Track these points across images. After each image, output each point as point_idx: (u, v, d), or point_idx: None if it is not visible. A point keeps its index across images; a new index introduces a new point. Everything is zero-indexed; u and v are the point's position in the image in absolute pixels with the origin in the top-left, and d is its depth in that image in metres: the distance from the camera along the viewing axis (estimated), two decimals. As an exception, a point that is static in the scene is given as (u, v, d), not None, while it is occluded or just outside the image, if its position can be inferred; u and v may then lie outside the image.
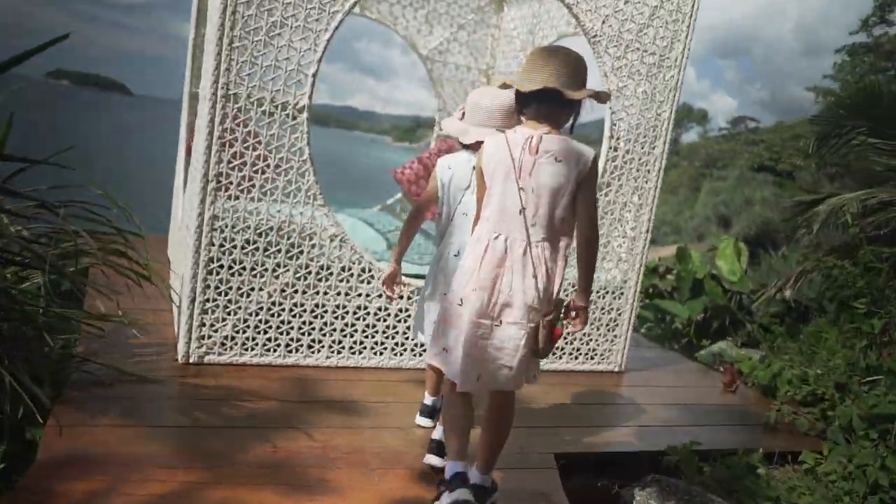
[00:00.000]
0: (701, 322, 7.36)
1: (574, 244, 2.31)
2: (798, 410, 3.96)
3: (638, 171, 4.09)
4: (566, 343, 4.17)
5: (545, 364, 4.14)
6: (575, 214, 2.28)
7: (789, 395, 4.15)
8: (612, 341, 4.27)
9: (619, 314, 4.25)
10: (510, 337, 2.23)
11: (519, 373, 2.27)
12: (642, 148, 4.07)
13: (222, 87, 3.15)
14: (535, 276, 2.21)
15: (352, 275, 3.57)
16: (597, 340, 4.24)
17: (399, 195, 6.16)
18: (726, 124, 44.40)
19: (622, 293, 4.22)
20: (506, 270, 2.23)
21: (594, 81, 3.70)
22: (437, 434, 2.70)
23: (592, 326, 4.19)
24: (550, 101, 2.23)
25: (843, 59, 22.39)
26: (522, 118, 2.34)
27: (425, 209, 2.93)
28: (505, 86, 2.33)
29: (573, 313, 2.36)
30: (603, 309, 4.19)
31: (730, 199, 27.98)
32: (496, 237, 2.26)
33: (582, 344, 4.21)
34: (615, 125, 3.98)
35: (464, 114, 2.82)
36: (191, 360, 3.34)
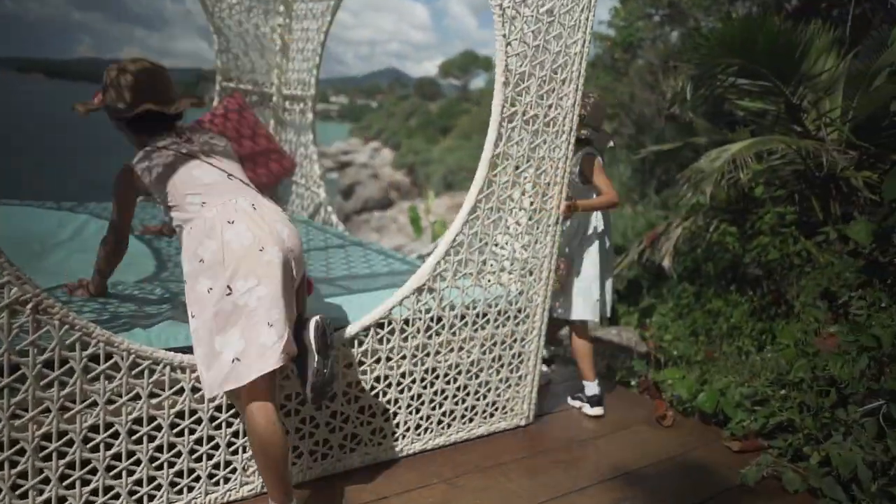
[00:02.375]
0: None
1: None
2: (770, 453, 2.85)
3: (543, 132, 2.63)
4: (456, 404, 2.67)
5: (420, 446, 2.63)
6: None
7: (743, 425, 3.02)
8: (516, 386, 2.85)
9: (525, 345, 2.82)
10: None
11: None
12: (547, 99, 2.60)
13: None
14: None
15: (71, 372, 1.77)
16: (497, 390, 2.79)
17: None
18: (510, 70, 44.98)
19: (527, 315, 2.79)
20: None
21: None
22: None
23: (489, 369, 2.73)
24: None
25: (616, 5, 22.75)
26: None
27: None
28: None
29: None
30: (503, 343, 2.74)
31: (520, 143, 28.11)
32: (236, 201, 1.99)
33: (478, 399, 2.74)
34: (509, 66, 2.46)
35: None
36: None
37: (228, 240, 1.89)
